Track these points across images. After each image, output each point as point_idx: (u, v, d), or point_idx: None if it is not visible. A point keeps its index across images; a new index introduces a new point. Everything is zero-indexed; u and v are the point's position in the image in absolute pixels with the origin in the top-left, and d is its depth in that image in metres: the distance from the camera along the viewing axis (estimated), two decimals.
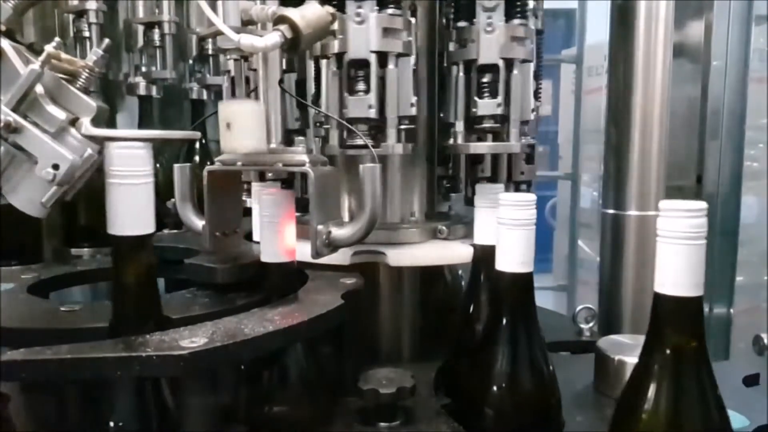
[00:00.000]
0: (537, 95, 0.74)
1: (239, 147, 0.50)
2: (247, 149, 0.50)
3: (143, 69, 0.97)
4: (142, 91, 0.98)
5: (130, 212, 0.41)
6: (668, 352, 0.40)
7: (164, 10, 0.95)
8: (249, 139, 0.49)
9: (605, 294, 0.91)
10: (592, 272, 1.33)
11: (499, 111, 0.64)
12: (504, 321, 0.50)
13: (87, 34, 0.91)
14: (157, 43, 0.96)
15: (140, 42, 0.96)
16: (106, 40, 0.52)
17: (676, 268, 0.39)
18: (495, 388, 0.50)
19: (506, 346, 0.50)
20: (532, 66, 0.68)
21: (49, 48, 0.41)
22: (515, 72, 0.64)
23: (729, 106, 1.11)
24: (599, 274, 0.93)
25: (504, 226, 0.49)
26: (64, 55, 0.44)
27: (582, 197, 1.58)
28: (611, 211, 0.89)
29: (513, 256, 0.49)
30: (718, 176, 1.10)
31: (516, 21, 0.64)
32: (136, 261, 0.42)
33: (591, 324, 0.79)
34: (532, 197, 0.49)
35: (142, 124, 0.99)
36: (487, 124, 0.65)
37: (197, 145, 1.04)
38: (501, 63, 0.64)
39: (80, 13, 0.91)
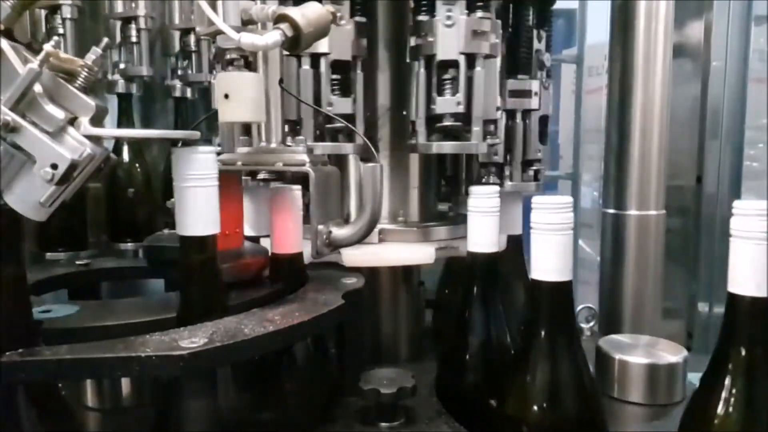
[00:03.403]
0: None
1: (237, 117, 0.49)
2: (245, 119, 0.50)
3: (121, 66, 0.95)
4: (120, 88, 0.95)
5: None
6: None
7: (140, 5, 0.93)
8: (247, 109, 0.48)
9: (606, 293, 0.91)
10: (592, 272, 1.32)
11: (459, 109, 0.62)
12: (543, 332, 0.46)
13: (61, 30, 0.87)
14: (134, 39, 0.93)
15: (118, 38, 0.94)
16: (105, 40, 0.51)
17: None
18: (539, 404, 0.46)
19: (548, 360, 0.46)
20: (497, 61, 0.65)
21: (47, 47, 0.41)
22: (478, 68, 0.62)
23: (729, 106, 1.11)
24: (600, 273, 0.93)
25: (537, 232, 0.45)
26: (62, 54, 0.44)
27: (583, 197, 1.58)
28: (612, 211, 0.89)
29: (547, 264, 0.45)
30: (718, 176, 1.10)
31: (478, 14, 0.62)
32: None
33: (592, 323, 0.79)
34: (568, 199, 0.44)
35: (121, 122, 0.96)
36: (447, 122, 0.63)
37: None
38: (462, 59, 0.61)
39: (53, 9, 0.87)
